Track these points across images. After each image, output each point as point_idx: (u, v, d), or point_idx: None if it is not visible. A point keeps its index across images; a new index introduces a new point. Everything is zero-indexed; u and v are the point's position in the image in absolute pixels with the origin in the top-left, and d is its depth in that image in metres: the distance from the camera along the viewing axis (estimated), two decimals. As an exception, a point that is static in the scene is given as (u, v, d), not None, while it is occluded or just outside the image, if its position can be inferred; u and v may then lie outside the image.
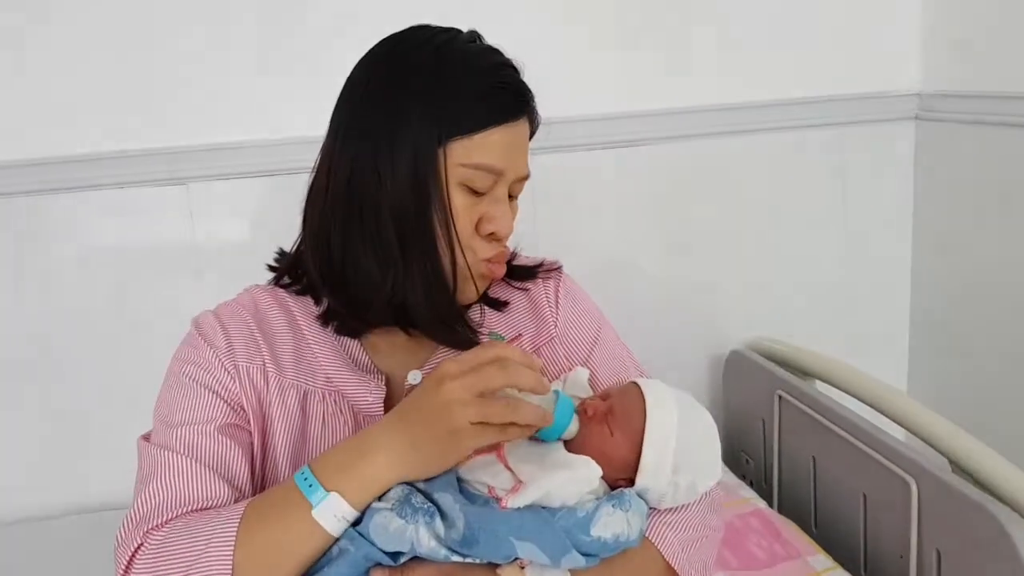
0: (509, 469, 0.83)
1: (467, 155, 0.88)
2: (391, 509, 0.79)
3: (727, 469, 1.75)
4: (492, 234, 0.92)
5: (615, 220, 1.86)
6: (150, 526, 0.81)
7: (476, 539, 0.78)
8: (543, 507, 0.81)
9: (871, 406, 1.48)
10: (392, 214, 0.87)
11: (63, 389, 1.69)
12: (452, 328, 0.94)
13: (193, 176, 1.65)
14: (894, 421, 1.43)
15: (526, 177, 0.96)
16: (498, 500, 0.80)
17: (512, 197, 0.96)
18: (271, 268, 1.04)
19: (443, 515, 0.80)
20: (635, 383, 0.91)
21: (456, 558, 0.78)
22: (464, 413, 0.77)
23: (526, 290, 1.07)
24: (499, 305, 1.04)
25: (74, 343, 1.68)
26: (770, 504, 1.65)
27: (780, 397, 1.67)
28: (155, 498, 0.84)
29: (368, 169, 0.88)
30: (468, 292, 0.94)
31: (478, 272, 0.93)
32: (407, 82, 0.88)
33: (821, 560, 1.42)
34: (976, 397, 1.83)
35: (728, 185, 1.90)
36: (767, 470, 1.76)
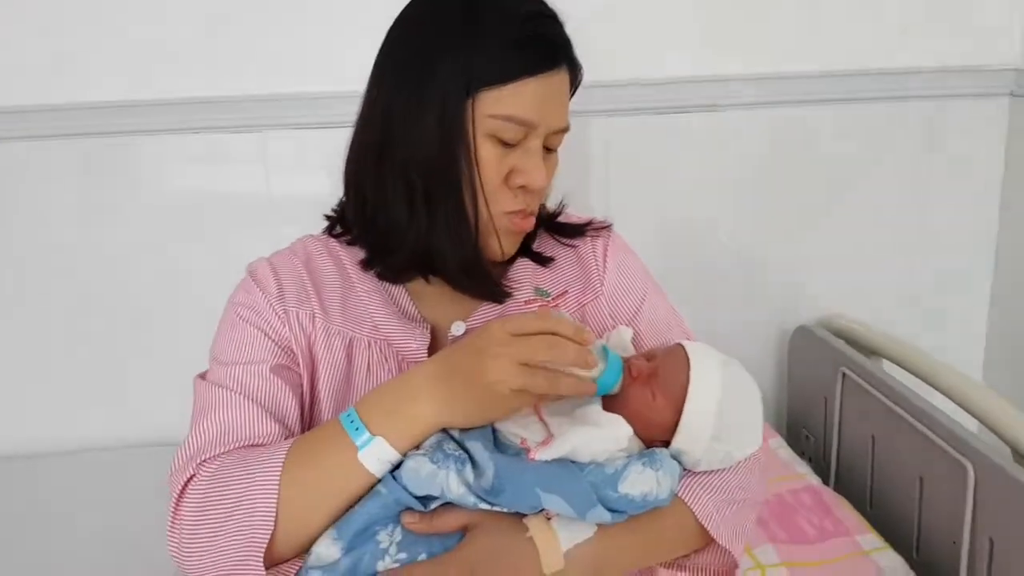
0: (542, 421, 0.84)
1: (496, 106, 0.88)
2: (423, 454, 0.81)
3: (784, 444, 1.73)
4: (523, 187, 0.92)
5: (692, 185, 1.84)
6: (203, 458, 0.85)
7: (503, 488, 0.79)
8: (572, 461, 0.82)
9: (935, 387, 1.45)
10: (420, 163, 0.89)
11: (128, 326, 1.77)
12: (478, 281, 0.95)
13: (268, 124, 1.68)
14: (958, 404, 1.40)
15: (564, 130, 0.95)
16: (528, 452, 0.82)
17: (550, 150, 0.96)
18: (327, 218, 1.07)
19: (473, 463, 0.81)
20: (680, 345, 0.91)
21: (484, 506, 0.80)
22: (504, 380, 0.78)
23: (574, 247, 1.07)
24: (544, 260, 1.04)
25: (143, 283, 1.75)
26: (826, 481, 1.63)
27: (844, 375, 1.64)
28: (208, 432, 0.88)
29: (398, 118, 0.89)
30: (492, 246, 0.94)
31: (502, 226, 0.93)
32: (438, 30, 0.89)
33: (871, 539, 1.40)
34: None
35: (813, 156, 1.85)
36: (827, 447, 1.73)
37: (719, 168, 1.83)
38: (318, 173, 1.70)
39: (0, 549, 1.50)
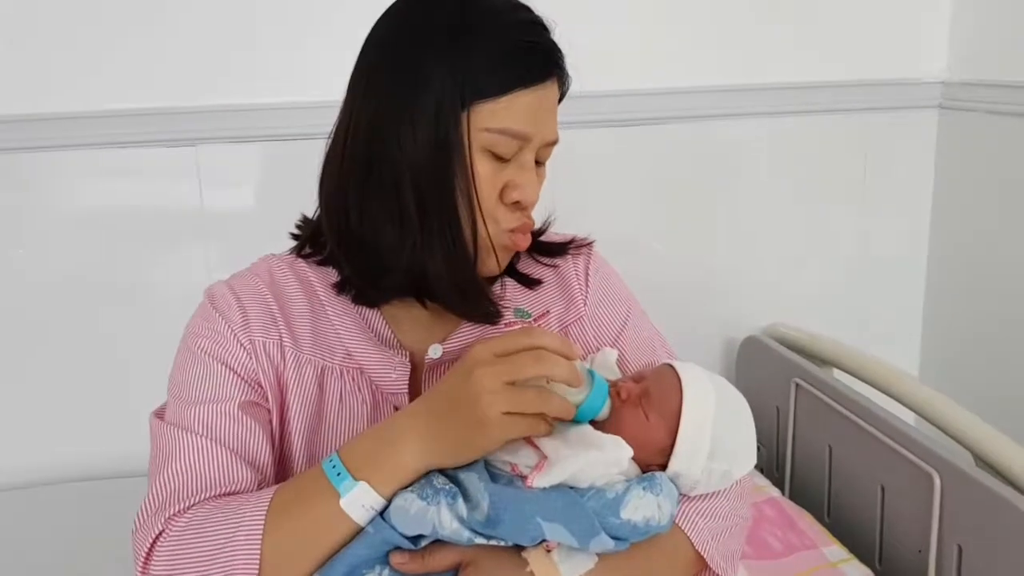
0: (532, 445, 0.80)
1: (492, 119, 0.83)
2: (411, 491, 0.76)
3: (739, 456, 1.72)
4: (516, 203, 0.88)
5: (630, 199, 1.83)
6: (172, 512, 0.79)
7: (501, 519, 0.75)
8: (570, 487, 0.78)
9: (890, 395, 1.46)
10: (412, 179, 0.83)
11: (58, 353, 1.66)
12: (473, 301, 0.90)
13: (203, 138, 1.60)
14: (913, 411, 1.41)
15: (554, 142, 0.91)
16: (523, 478, 0.77)
17: (539, 163, 0.91)
18: (293, 236, 0.99)
19: (466, 496, 0.77)
20: (670, 365, 0.88)
21: (480, 540, 0.75)
22: (494, 404, 0.74)
23: (555, 267, 1.03)
24: (531, 283, 1.00)
25: (72, 305, 1.64)
26: (781, 492, 1.62)
27: (796, 385, 1.64)
28: (175, 481, 0.81)
29: (387, 131, 0.83)
30: (489, 264, 0.89)
31: (500, 243, 0.89)
32: (430, 40, 0.83)
33: (836, 551, 1.39)
34: (989, 391, 1.81)
35: (749, 168, 1.87)
36: (779, 458, 1.73)
37: (656, 179, 1.83)
38: (249, 188, 1.62)
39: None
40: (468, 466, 0.79)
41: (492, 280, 0.96)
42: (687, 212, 1.86)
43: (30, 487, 1.66)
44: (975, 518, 1.22)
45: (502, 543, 0.76)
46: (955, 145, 1.88)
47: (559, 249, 1.03)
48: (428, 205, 0.84)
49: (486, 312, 0.92)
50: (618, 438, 0.78)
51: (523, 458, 0.80)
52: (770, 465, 1.78)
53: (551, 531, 0.75)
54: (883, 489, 1.41)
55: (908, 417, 1.42)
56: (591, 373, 0.82)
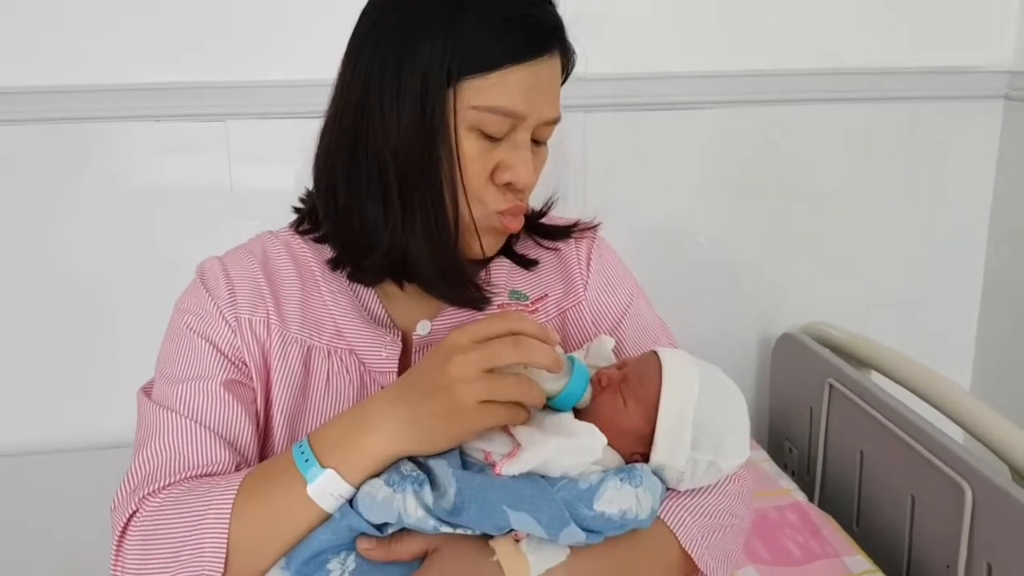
0: (507, 432, 0.76)
1: (480, 96, 0.79)
2: (379, 476, 0.73)
3: (768, 457, 1.65)
4: (509, 184, 0.84)
5: (672, 186, 1.77)
6: (147, 491, 0.78)
7: (465, 506, 0.71)
8: (542, 476, 0.74)
9: (928, 402, 1.38)
10: (395, 156, 0.80)
11: (86, 325, 1.67)
12: (455, 285, 0.87)
13: (233, 113, 1.59)
14: (952, 420, 1.33)
15: (555, 121, 0.87)
16: (493, 466, 0.73)
17: (538, 143, 0.87)
18: (296, 210, 0.97)
19: (434, 483, 0.73)
20: (654, 351, 0.83)
21: (446, 529, 0.72)
22: (470, 392, 0.71)
23: (556, 250, 0.99)
24: (528, 264, 0.96)
25: (103, 278, 1.65)
26: (810, 497, 1.55)
27: (831, 386, 1.57)
28: (153, 461, 0.80)
29: (373, 106, 0.81)
30: (473, 247, 0.86)
31: (487, 226, 0.85)
32: (419, 12, 0.80)
33: (859, 562, 1.32)
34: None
35: (797, 157, 1.78)
36: (811, 461, 1.66)
37: (698, 169, 1.77)
38: (281, 165, 1.60)
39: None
40: (440, 453, 0.75)
41: (482, 263, 0.92)
42: (732, 202, 1.79)
43: (79, 450, 1.68)
44: (1007, 535, 1.14)
45: (468, 532, 0.73)
46: (1020, 139, 1.77)
47: (561, 232, 0.99)
48: (411, 184, 0.81)
49: (469, 297, 0.89)
50: (592, 426, 0.74)
51: (497, 446, 0.76)
52: (800, 468, 1.71)
53: (517, 520, 0.71)
54: (913, 499, 1.34)
55: (948, 427, 1.34)
56: (571, 359, 0.78)
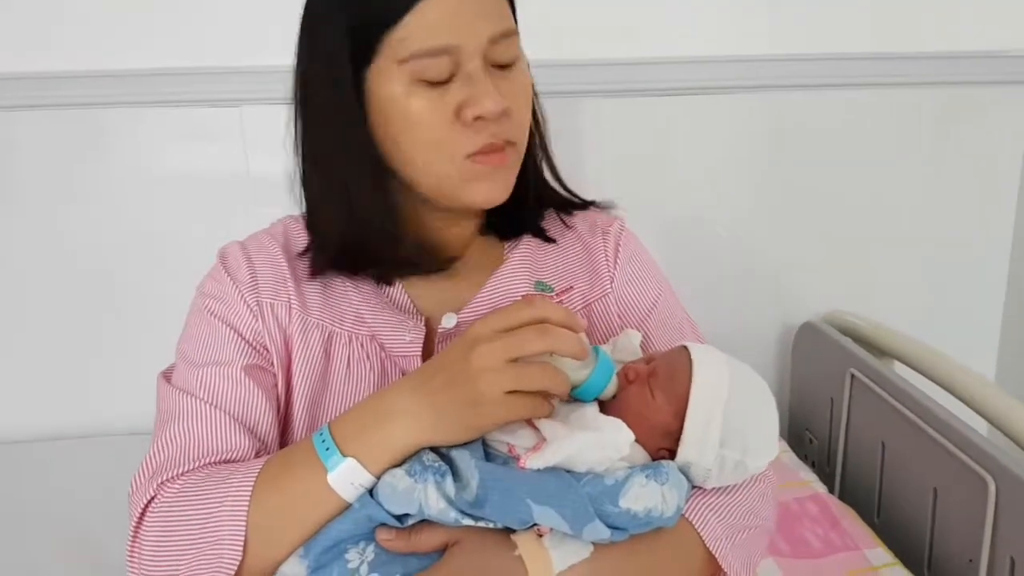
0: (532, 425, 0.75)
1: (401, 47, 0.76)
2: (400, 466, 0.73)
3: (788, 448, 1.64)
4: (479, 118, 0.78)
5: (691, 174, 1.74)
6: (165, 477, 0.77)
7: (488, 498, 0.70)
8: (567, 471, 0.73)
9: (951, 393, 1.36)
10: (325, 142, 0.83)
11: (106, 310, 1.67)
12: (414, 263, 0.88)
13: (247, 99, 1.58)
14: (976, 411, 1.32)
15: (504, 35, 0.79)
16: (517, 459, 0.73)
17: (503, 66, 0.81)
18: None
19: (457, 474, 0.72)
20: (684, 346, 0.81)
21: (467, 521, 0.71)
22: (496, 382, 0.70)
23: (579, 237, 0.98)
24: (548, 239, 0.96)
25: (121, 264, 1.65)
26: (830, 488, 1.54)
27: (852, 376, 1.55)
28: (171, 446, 0.80)
29: (306, 93, 0.84)
30: (471, 196, 0.83)
31: (467, 171, 0.81)
32: None
33: (880, 555, 1.31)
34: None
35: (819, 144, 1.75)
36: (831, 452, 1.65)
37: (717, 156, 1.74)
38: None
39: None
40: (463, 444, 0.75)
41: (503, 245, 0.92)
42: (756, 189, 1.77)
43: (100, 436, 1.69)
44: (1032, 530, 1.13)
45: (490, 525, 0.72)
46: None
47: (579, 206, 0.99)
48: (348, 167, 0.83)
49: (438, 263, 0.89)
50: (618, 421, 0.73)
51: (521, 439, 0.75)
52: (821, 459, 1.70)
53: (541, 514, 0.70)
54: (936, 492, 1.32)
55: (972, 418, 1.32)
56: (596, 349, 0.77)
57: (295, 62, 0.85)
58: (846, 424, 1.59)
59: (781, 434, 1.73)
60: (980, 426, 1.30)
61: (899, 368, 1.53)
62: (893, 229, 1.82)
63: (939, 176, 1.80)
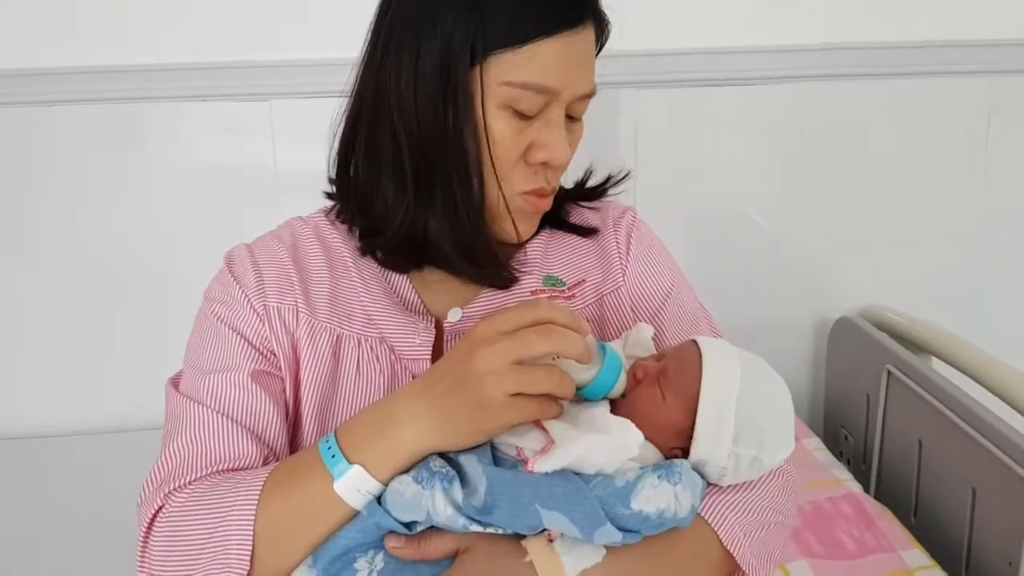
0: (540, 427, 0.73)
1: (511, 72, 0.77)
2: (408, 473, 0.72)
3: (822, 445, 1.60)
4: (544, 163, 0.81)
5: (726, 166, 1.71)
6: (173, 486, 0.77)
7: (496, 504, 0.69)
8: (577, 473, 0.71)
9: (991, 390, 1.32)
10: (411, 134, 0.79)
11: (135, 304, 1.69)
12: (480, 264, 0.85)
13: (276, 92, 1.58)
14: (1017, 410, 1.28)
15: (589, 95, 0.83)
16: (525, 463, 0.71)
17: (572, 118, 0.85)
18: (328, 195, 0.95)
19: (464, 480, 0.71)
20: (694, 340, 0.79)
21: (475, 528, 0.70)
22: (499, 385, 0.68)
23: (595, 231, 0.96)
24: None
25: (153, 260, 1.66)
26: (866, 487, 1.50)
27: (889, 372, 1.51)
28: (179, 455, 0.79)
29: (393, 84, 0.79)
30: (506, 230, 0.84)
31: (515, 207, 0.83)
32: None
33: (917, 556, 1.27)
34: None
35: (856, 134, 1.71)
36: (867, 450, 1.61)
37: (752, 147, 1.71)
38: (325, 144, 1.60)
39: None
40: (471, 448, 0.73)
41: (517, 246, 0.90)
42: (793, 180, 1.74)
43: (137, 430, 1.69)
44: (1074, 533, 1.08)
45: (499, 530, 0.71)
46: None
47: (597, 193, 0.98)
48: (429, 163, 0.79)
49: (497, 277, 0.87)
50: (627, 421, 0.71)
51: (530, 441, 0.74)
52: (856, 457, 1.66)
53: (550, 519, 0.69)
54: (974, 492, 1.28)
55: (1012, 417, 1.28)
56: (603, 347, 0.75)
57: (370, 58, 0.83)
58: (882, 422, 1.55)
59: (816, 431, 1.71)
60: (1021, 425, 1.25)
61: (937, 365, 1.49)
62: (931, 222, 1.77)
63: (980, 168, 1.74)
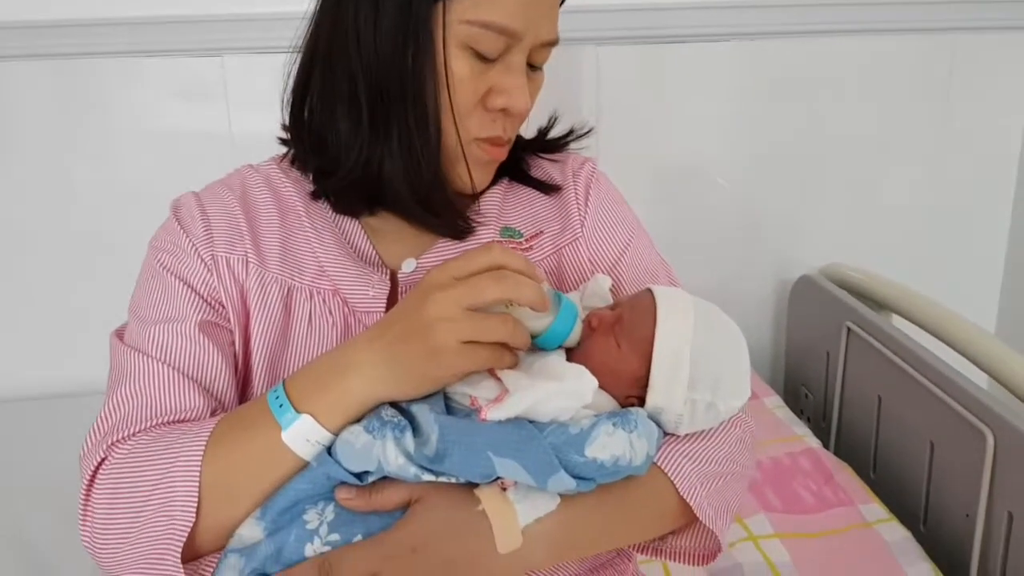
0: (494, 376, 0.71)
1: (473, 10, 0.74)
2: (359, 423, 0.69)
3: (783, 403, 1.60)
4: (503, 110, 0.79)
5: (688, 124, 1.70)
6: (116, 438, 0.74)
7: (448, 452, 0.67)
8: (530, 421, 0.69)
9: (950, 345, 1.32)
10: (367, 71, 0.76)
11: (93, 264, 1.64)
12: (436, 211, 0.82)
13: (229, 48, 1.53)
14: (975, 364, 1.28)
15: (553, 43, 0.81)
16: (479, 412, 0.69)
17: (534, 67, 0.82)
18: (282, 141, 0.92)
19: (417, 429, 0.69)
20: (649, 288, 0.78)
21: (428, 477, 0.68)
22: (451, 331, 0.66)
23: (556, 188, 0.94)
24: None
25: (109, 218, 1.61)
26: (825, 443, 1.50)
27: (849, 329, 1.51)
28: (123, 407, 0.76)
29: (348, 18, 0.76)
30: (460, 177, 0.82)
31: (470, 153, 0.80)
32: None
33: (875, 510, 1.27)
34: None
35: (818, 92, 1.70)
36: (827, 407, 1.61)
37: (715, 106, 1.69)
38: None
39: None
40: (423, 398, 0.71)
41: (472, 197, 0.88)
42: (757, 139, 1.72)
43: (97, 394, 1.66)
44: (1030, 484, 1.09)
45: (452, 480, 0.69)
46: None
47: (558, 145, 0.96)
48: (386, 101, 0.76)
49: (453, 226, 0.84)
50: (582, 368, 0.69)
51: (483, 390, 0.72)
52: (816, 415, 1.66)
53: (503, 467, 0.67)
54: (932, 446, 1.28)
55: (971, 371, 1.28)
56: (558, 295, 0.74)
57: None
58: (842, 378, 1.55)
59: (776, 389, 1.71)
60: (979, 379, 1.26)
61: (897, 321, 1.49)
62: (892, 181, 1.77)
63: (940, 126, 1.74)
